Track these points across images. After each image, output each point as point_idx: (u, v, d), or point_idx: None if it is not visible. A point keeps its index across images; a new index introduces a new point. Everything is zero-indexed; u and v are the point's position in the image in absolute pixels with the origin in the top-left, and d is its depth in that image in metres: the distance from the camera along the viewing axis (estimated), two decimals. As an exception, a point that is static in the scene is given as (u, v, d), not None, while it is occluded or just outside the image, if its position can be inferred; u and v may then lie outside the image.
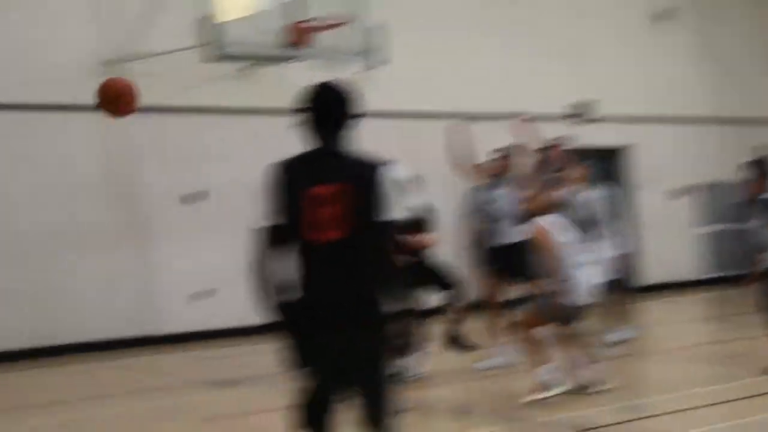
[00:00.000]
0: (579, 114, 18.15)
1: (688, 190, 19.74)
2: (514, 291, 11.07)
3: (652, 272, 19.00)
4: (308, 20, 13.50)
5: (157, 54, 14.03)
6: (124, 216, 14.28)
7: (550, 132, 17.74)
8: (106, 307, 14.13)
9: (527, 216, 9.48)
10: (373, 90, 15.92)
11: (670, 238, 19.60)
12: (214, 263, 14.39)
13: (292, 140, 15.87)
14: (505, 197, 11.27)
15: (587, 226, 11.89)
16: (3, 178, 13.58)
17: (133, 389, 11.13)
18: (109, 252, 14.03)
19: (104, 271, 14.09)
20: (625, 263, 13.32)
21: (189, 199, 14.38)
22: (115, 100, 6.43)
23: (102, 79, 6.49)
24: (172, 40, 14.17)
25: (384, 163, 4.99)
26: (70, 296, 13.87)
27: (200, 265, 14.48)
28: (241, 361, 12.70)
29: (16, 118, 13.67)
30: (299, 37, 13.44)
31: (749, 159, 10.42)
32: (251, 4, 13.56)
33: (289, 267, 4.90)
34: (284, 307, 4.90)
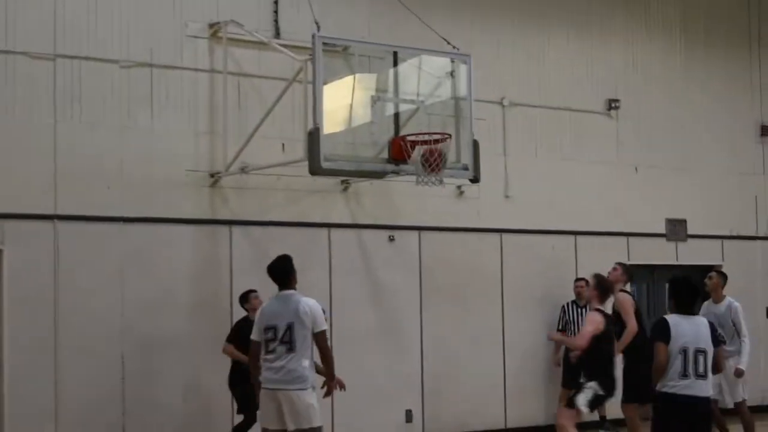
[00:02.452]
0: (671, 232, 18.23)
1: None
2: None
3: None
4: (409, 135, 13.59)
5: (261, 167, 14.26)
6: (212, 325, 14.33)
7: (650, 248, 18.02)
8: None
9: None
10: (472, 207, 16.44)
11: (766, 357, 19.32)
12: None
13: (391, 253, 16.09)
14: None
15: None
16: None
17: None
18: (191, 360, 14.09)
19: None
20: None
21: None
22: None
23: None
24: (275, 153, 14.47)
25: None
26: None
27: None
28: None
29: (126, 228, 13.89)
30: (400, 151, 13.52)
31: None
32: (354, 118, 13.72)
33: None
34: None
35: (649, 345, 10.27)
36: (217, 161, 14.48)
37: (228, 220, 14.63)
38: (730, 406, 13.97)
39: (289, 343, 10.30)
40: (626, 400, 13.72)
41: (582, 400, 11.94)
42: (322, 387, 10.77)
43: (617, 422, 16.75)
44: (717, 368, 10.30)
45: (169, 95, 14.35)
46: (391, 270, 15.75)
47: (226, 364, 13.85)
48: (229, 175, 14.42)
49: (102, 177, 13.78)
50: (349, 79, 13.58)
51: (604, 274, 13.69)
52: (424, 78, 13.97)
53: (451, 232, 16.31)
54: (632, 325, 13.49)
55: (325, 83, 12.83)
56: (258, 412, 10.81)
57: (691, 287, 10.28)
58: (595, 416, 16.19)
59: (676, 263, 18.07)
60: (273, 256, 14.64)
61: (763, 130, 19.93)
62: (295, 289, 10.81)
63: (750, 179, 19.74)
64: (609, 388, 12.14)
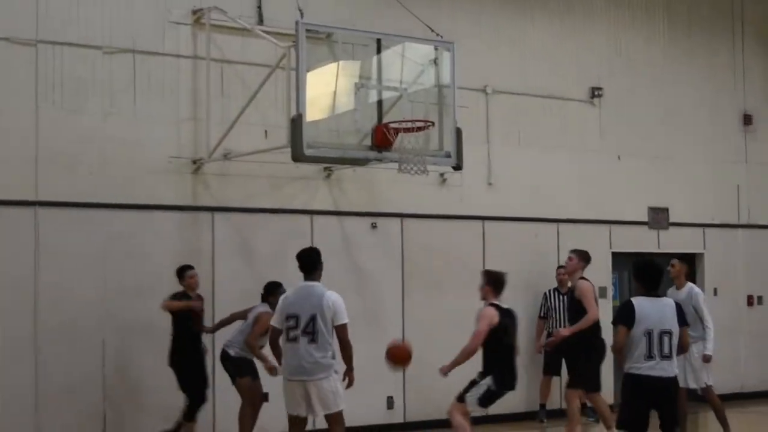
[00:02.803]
0: (654, 220, 18.30)
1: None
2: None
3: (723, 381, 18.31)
4: (392, 122, 13.60)
5: (244, 154, 14.26)
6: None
7: (632, 236, 18.08)
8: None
9: None
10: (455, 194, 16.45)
11: (745, 345, 19.44)
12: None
13: (374, 240, 16.14)
14: None
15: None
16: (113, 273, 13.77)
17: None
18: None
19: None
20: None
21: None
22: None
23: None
24: (257, 140, 14.47)
25: None
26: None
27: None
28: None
29: (108, 214, 13.88)
30: (383, 139, 13.52)
31: None
32: (337, 106, 13.72)
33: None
34: None
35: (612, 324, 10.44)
36: (200, 148, 14.46)
37: (210, 206, 14.62)
38: (693, 386, 13.96)
39: (312, 333, 10.68)
40: (570, 385, 13.79)
41: (472, 397, 11.84)
42: (343, 380, 11.00)
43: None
44: (682, 348, 10.44)
45: (152, 81, 14.32)
46: (374, 257, 15.77)
47: (207, 348, 13.89)
48: (212, 162, 14.41)
49: (84, 163, 13.76)
50: (332, 66, 13.55)
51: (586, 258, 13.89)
52: (408, 65, 13.95)
53: (433, 219, 16.32)
54: (593, 313, 13.49)
55: (308, 70, 12.80)
56: (284, 401, 11.05)
57: (655, 268, 10.42)
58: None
59: (658, 251, 18.10)
60: (255, 242, 14.81)
61: (746, 119, 19.98)
62: (319, 281, 11.07)
63: (732, 167, 19.78)
64: (507, 383, 11.99)
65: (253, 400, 13.35)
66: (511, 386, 12.00)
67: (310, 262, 11.08)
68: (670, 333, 10.14)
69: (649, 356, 10.06)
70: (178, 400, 13.64)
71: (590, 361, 13.61)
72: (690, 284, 14.39)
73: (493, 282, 12.13)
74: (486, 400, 11.84)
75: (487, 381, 11.78)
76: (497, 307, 12.00)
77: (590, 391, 13.76)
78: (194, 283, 13.58)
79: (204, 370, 13.55)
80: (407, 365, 11.49)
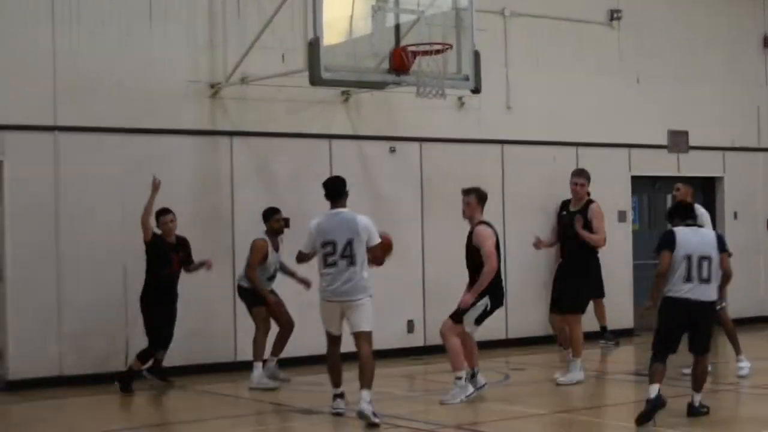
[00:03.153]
0: (673, 143, 18.21)
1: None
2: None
3: (742, 305, 18.27)
4: (410, 45, 13.54)
5: (261, 78, 14.23)
6: (214, 237, 14.42)
7: (652, 159, 18.03)
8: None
9: None
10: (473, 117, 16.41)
11: (765, 269, 19.45)
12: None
13: (393, 164, 16.12)
14: None
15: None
16: (120, 196, 13.81)
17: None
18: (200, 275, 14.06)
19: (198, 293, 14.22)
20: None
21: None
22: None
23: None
24: (275, 63, 14.43)
25: None
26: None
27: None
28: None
29: (127, 139, 13.90)
30: (401, 62, 13.48)
31: None
32: (355, 29, 13.67)
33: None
34: None
35: (656, 252, 10.71)
36: (217, 72, 14.44)
37: (228, 131, 14.62)
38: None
39: (350, 257, 10.97)
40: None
41: (469, 318, 11.86)
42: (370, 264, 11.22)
43: (619, 333, 16.93)
44: (726, 275, 10.85)
45: (168, 5, 14.26)
46: (392, 181, 15.77)
47: (227, 275, 13.98)
48: (230, 86, 14.39)
49: (102, 89, 13.76)
50: (350, -12, 13.50)
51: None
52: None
53: (452, 143, 16.29)
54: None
55: (326, -7, 12.77)
56: (321, 318, 11.26)
57: (682, 205, 11.24)
58: (595, 326, 16.34)
59: (677, 174, 18.01)
60: (274, 167, 14.83)
61: (766, 41, 19.82)
62: (345, 207, 11.25)
63: (752, 90, 19.66)
64: (499, 300, 12.06)
65: (266, 329, 13.39)
66: (501, 302, 12.12)
67: (336, 190, 11.27)
68: (709, 258, 10.46)
69: (688, 279, 10.40)
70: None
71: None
72: (695, 206, 14.37)
73: (483, 199, 12.21)
74: (481, 319, 11.94)
75: (485, 301, 11.85)
76: (488, 224, 12.07)
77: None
78: (171, 229, 13.44)
79: (171, 319, 13.47)
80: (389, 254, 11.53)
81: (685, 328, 10.50)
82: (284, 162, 14.97)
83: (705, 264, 10.42)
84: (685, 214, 10.88)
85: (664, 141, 18.30)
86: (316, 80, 12.90)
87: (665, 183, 17.75)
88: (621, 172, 17.80)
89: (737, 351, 13.45)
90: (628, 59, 18.13)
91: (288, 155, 14.97)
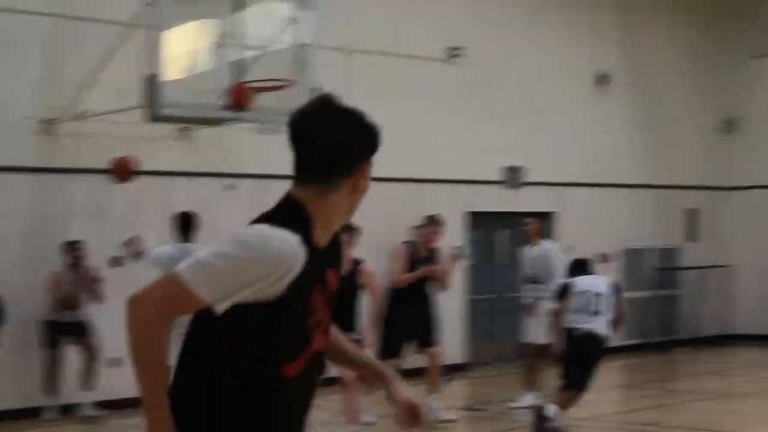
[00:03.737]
0: (509, 179, 18.52)
1: (607, 257, 19.87)
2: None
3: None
4: (251, 81, 13.43)
5: (99, 114, 13.92)
6: (41, 279, 14.01)
7: (488, 196, 18.22)
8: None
9: None
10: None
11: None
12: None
13: (231, 202, 15.90)
14: None
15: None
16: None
17: None
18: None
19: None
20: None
21: (117, 261, 14.18)
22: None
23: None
24: (113, 99, 14.13)
25: None
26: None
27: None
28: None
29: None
30: (241, 98, 13.34)
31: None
32: (195, 65, 13.50)
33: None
34: None
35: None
36: (53, 108, 14.09)
37: (65, 168, 14.28)
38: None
39: None
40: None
41: None
42: None
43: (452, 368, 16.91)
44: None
45: (3, 40, 13.89)
46: (231, 219, 15.51)
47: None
48: (66, 123, 14.04)
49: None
50: (191, 24, 13.35)
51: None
52: (268, 24, 13.81)
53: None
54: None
55: (165, 28, 12.59)
56: None
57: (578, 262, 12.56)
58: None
59: (515, 210, 18.17)
60: (112, 204, 14.49)
61: (598, 80, 20.25)
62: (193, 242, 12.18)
63: (587, 126, 20.06)
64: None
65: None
66: None
67: (184, 224, 12.28)
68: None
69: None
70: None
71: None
72: (545, 241, 14.61)
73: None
74: None
75: None
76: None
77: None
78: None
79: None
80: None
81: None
82: (122, 199, 14.67)
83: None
84: (583, 268, 12.30)
85: (501, 177, 18.51)
86: (153, 116, 12.70)
87: (502, 219, 17.96)
88: (457, 208, 17.94)
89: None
90: (467, 96, 18.29)
91: (124, 193, 14.66)
